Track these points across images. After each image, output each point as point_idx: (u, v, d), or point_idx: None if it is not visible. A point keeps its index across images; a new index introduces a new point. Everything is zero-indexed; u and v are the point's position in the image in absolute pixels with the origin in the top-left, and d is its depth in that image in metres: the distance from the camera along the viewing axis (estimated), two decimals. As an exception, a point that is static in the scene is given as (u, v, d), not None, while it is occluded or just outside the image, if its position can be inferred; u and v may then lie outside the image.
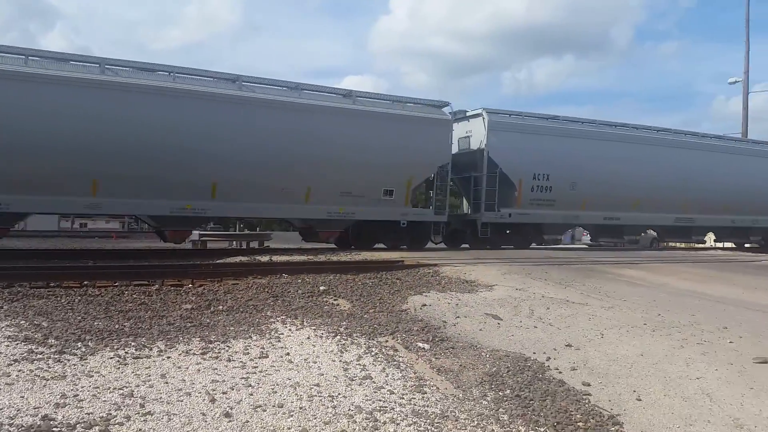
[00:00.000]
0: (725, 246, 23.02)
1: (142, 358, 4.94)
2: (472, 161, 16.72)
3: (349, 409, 3.97)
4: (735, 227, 21.19)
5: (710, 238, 22.96)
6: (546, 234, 18.53)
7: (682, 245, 24.12)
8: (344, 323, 6.41)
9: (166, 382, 4.33)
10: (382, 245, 15.82)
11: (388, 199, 15.14)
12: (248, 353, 5.16)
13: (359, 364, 4.98)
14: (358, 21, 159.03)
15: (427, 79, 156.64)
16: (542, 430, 3.88)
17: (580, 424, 3.99)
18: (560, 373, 5.04)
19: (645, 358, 5.49)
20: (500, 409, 4.19)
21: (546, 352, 5.60)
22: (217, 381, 4.40)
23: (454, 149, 16.52)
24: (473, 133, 16.76)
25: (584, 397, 4.50)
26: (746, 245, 22.04)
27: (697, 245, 22.11)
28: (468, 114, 16.99)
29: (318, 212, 14.30)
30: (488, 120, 16.30)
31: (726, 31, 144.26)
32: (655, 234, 23.20)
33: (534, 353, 5.58)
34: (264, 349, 5.31)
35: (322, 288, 8.24)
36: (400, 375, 4.78)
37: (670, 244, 24.80)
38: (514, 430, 3.86)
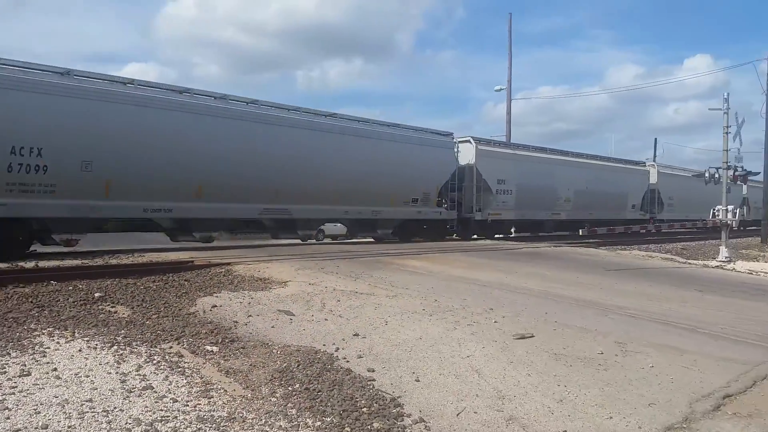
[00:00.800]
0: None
1: None
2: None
3: (127, 423, 3.70)
4: (354, 219, 18.82)
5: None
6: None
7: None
8: (123, 332, 5.95)
9: None
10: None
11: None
12: (5, 372, 4.54)
13: (139, 375, 4.66)
14: (142, 4, 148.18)
15: (219, 72, 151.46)
16: (329, 419, 4.00)
17: (365, 409, 4.19)
18: (348, 362, 5.23)
19: (423, 341, 5.94)
20: (289, 404, 4.23)
21: (335, 343, 5.77)
22: (-36, 408, 3.81)
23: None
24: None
25: (369, 383, 4.73)
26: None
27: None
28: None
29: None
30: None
31: (493, 42, 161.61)
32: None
33: (324, 345, 5.72)
34: (26, 366, 4.72)
35: (97, 294, 7.56)
36: (185, 381, 4.58)
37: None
38: (301, 423, 3.92)
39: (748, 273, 14.82)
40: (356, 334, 6.12)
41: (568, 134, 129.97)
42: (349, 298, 7.88)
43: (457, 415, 4.20)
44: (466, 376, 5.00)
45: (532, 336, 6.24)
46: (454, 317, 6.97)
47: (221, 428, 3.73)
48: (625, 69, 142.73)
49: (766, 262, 18.24)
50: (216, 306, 7.22)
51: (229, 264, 10.44)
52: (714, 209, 19.05)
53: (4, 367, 4.64)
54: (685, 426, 4.15)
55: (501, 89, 33.75)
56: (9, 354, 5.02)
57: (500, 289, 9.41)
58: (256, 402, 4.25)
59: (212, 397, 4.27)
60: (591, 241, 21.61)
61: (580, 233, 21.73)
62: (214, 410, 4.02)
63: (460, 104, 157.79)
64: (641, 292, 9.91)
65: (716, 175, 19.41)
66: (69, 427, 3.60)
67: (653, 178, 32.13)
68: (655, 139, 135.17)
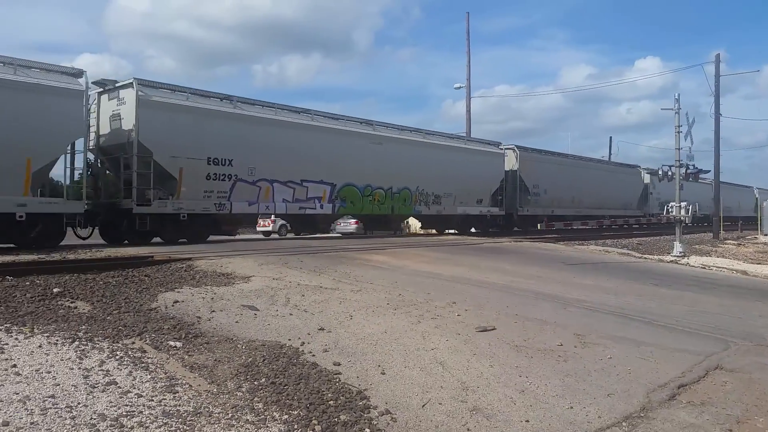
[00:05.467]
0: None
1: None
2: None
3: (92, 418, 3.66)
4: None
5: (416, 226, 28.72)
6: None
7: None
8: (83, 327, 5.85)
9: None
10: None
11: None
12: (-39, 371, 4.43)
13: (102, 370, 4.60)
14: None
15: (174, 65, 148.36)
16: (296, 413, 4.02)
17: (331, 402, 4.24)
18: (314, 356, 5.26)
19: (388, 334, 6.00)
20: (255, 398, 4.24)
21: (301, 338, 5.79)
22: None
23: None
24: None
25: (335, 376, 4.77)
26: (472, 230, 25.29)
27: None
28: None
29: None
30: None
31: (451, 40, 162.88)
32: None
33: (289, 340, 5.73)
34: (-17, 363, 4.61)
35: (56, 290, 7.39)
36: (150, 377, 4.54)
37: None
38: (269, 416, 3.94)
39: (702, 267, 15.36)
40: (322, 329, 6.15)
41: (524, 132, 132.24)
42: (313, 293, 7.90)
43: (423, 406, 4.28)
44: (430, 368, 5.08)
45: (494, 329, 6.38)
46: (418, 311, 7.06)
47: (187, 423, 3.72)
48: (578, 69, 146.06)
49: (718, 256, 18.91)
50: (178, 301, 7.14)
51: (189, 259, 10.32)
52: (668, 206, 19.67)
53: (-40, 365, 4.52)
54: (642, 415, 4.32)
55: (460, 87, 34.07)
56: (-36, 351, 4.89)
57: (463, 283, 9.55)
58: (222, 396, 4.24)
59: (177, 392, 4.24)
60: (549, 236, 22.38)
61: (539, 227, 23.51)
62: (179, 405, 4.00)
63: (420, 101, 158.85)
64: (599, 286, 10.19)
65: (669, 173, 20.05)
66: (32, 423, 3.54)
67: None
68: (610, 137, 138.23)
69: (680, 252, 18.09)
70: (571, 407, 4.37)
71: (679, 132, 19.33)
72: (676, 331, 7.03)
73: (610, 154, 51.09)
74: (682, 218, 19.09)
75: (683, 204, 19.11)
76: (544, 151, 29.43)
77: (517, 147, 26.62)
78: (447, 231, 25.01)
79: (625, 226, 27.20)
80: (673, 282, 11.55)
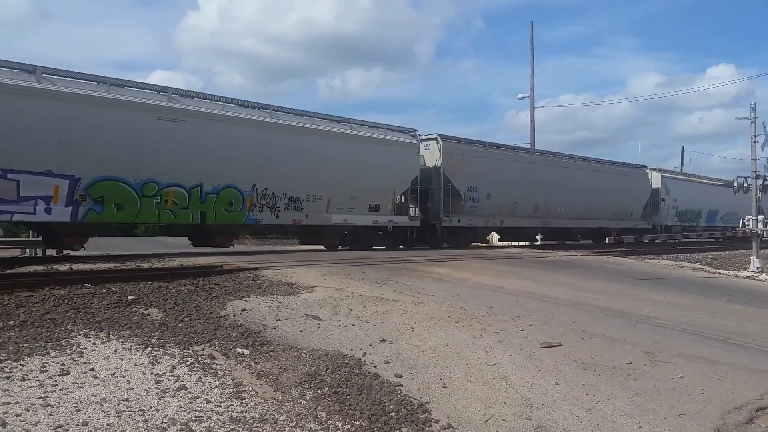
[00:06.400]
0: (519, 244, 25.61)
1: None
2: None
3: (162, 422, 3.81)
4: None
5: (494, 237, 27.10)
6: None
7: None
8: (156, 333, 6.09)
9: (-57, 410, 3.80)
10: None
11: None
12: (46, 371, 4.70)
13: (173, 376, 4.78)
14: (164, 13, 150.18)
15: (242, 81, 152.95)
16: (358, 423, 4.06)
17: (393, 414, 4.25)
18: (375, 367, 5.29)
19: (450, 347, 5.97)
20: (318, 407, 4.30)
21: (362, 348, 5.84)
22: (9, 403, 3.96)
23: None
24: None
25: (396, 388, 4.78)
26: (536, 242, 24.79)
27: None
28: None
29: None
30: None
31: (514, 50, 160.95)
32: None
33: (351, 350, 5.79)
34: (65, 365, 4.87)
35: (130, 297, 7.73)
36: (218, 383, 4.69)
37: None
38: (331, 426, 3.99)
39: (781, 284, 14.52)
40: (383, 340, 6.18)
41: (591, 142, 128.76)
42: (375, 304, 7.94)
43: (485, 422, 4.23)
44: (493, 383, 5.02)
45: (560, 345, 6.23)
46: (480, 325, 6.98)
47: (253, 429, 3.82)
48: (647, 77, 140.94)
49: (799, 273, 17.84)
50: (245, 310, 7.34)
51: (257, 269, 10.58)
52: (744, 219, 18.75)
53: (45, 366, 4.80)
54: (716, 437, 4.12)
55: (524, 97, 33.53)
56: (49, 353, 5.19)
57: (527, 297, 9.39)
58: (286, 404, 4.33)
59: (244, 399, 4.36)
60: (618, 250, 21.46)
61: (607, 241, 21.85)
62: (246, 411, 4.11)
63: (481, 112, 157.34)
64: (670, 302, 9.80)
65: (745, 185, 19.12)
66: (108, 425, 3.72)
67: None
68: (682, 147, 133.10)
69: (758, 267, 17.16)
70: (640, 427, 4.22)
71: (755, 142, 18.42)
72: (753, 350, 6.67)
73: (682, 164, 48.92)
74: (759, 232, 18.14)
75: (761, 217, 18.17)
76: (488, 144, 23.05)
77: (442, 136, 20.19)
78: (478, 243, 23.17)
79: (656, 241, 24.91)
80: (749, 299, 10.98)
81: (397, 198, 18.92)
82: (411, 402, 4.51)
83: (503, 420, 4.26)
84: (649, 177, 29.73)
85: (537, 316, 7.73)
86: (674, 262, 18.31)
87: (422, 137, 19.90)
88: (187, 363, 5.15)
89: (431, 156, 19.96)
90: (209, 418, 3.95)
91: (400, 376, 5.06)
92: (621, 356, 5.94)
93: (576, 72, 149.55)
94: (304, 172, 16.08)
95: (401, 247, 19.09)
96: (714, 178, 37.26)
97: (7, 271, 10.08)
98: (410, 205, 19.48)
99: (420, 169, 19.37)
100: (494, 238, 27.20)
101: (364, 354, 5.66)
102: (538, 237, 26.06)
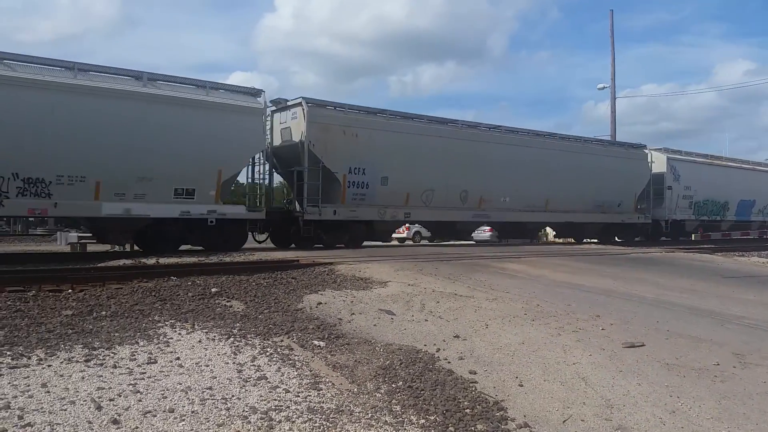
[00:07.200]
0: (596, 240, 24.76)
1: (19, 367, 4.63)
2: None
3: (244, 411, 3.95)
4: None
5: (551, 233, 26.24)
6: None
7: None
8: (238, 325, 6.33)
9: (48, 392, 4.10)
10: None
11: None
12: (135, 359, 4.97)
13: (254, 365, 4.95)
14: (242, 17, 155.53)
15: (316, 79, 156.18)
16: (432, 418, 4.06)
17: (468, 410, 4.22)
18: (449, 363, 5.28)
19: (526, 345, 5.87)
20: (393, 401, 4.33)
21: (436, 344, 5.83)
22: (103, 388, 4.22)
23: None
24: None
25: (471, 384, 4.75)
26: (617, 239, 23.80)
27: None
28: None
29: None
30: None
31: (594, 39, 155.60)
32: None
33: (425, 345, 5.80)
34: (152, 354, 5.14)
35: (213, 290, 8.06)
36: (296, 373, 4.81)
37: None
38: (406, 419, 4.01)
39: None
40: (457, 336, 6.15)
41: (675, 134, 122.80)
42: (448, 300, 7.92)
43: (563, 422, 4.13)
44: (572, 383, 4.89)
45: (643, 345, 6.00)
46: (557, 323, 6.82)
47: (330, 420, 3.89)
48: (735, 65, 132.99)
49: None
50: (321, 303, 7.49)
51: (331, 264, 10.77)
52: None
53: (134, 355, 5.08)
54: (815, 447, 3.86)
55: (604, 87, 32.40)
56: (137, 343, 5.49)
57: (607, 295, 9.09)
58: (362, 396, 4.39)
59: (321, 390, 4.46)
60: (702, 246, 20.31)
61: (693, 238, 20.75)
62: (323, 402, 4.20)
63: (557, 104, 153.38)
64: (761, 302, 9.22)
65: None
66: (192, 411, 3.90)
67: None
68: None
69: None
70: (730, 433, 4.01)
71: None
72: None
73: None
74: None
75: None
76: (389, 113, 17.37)
77: (309, 100, 15.65)
78: (585, 240, 22.99)
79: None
80: None
81: (222, 182, 13.87)
82: (486, 399, 4.46)
83: (582, 420, 4.15)
84: (649, 159, 23.91)
85: (618, 314, 7.47)
86: (765, 260, 17.22)
87: (289, 103, 16.07)
88: (267, 353, 5.31)
89: (297, 127, 15.65)
90: (288, 407, 4.06)
91: (475, 373, 5.02)
92: (708, 357, 5.65)
93: (659, 61, 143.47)
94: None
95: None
96: (749, 161, 30.75)
97: (99, 265, 10.72)
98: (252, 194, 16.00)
99: (287, 143, 15.93)
100: (550, 233, 26.18)
101: (438, 350, 5.65)
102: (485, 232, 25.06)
